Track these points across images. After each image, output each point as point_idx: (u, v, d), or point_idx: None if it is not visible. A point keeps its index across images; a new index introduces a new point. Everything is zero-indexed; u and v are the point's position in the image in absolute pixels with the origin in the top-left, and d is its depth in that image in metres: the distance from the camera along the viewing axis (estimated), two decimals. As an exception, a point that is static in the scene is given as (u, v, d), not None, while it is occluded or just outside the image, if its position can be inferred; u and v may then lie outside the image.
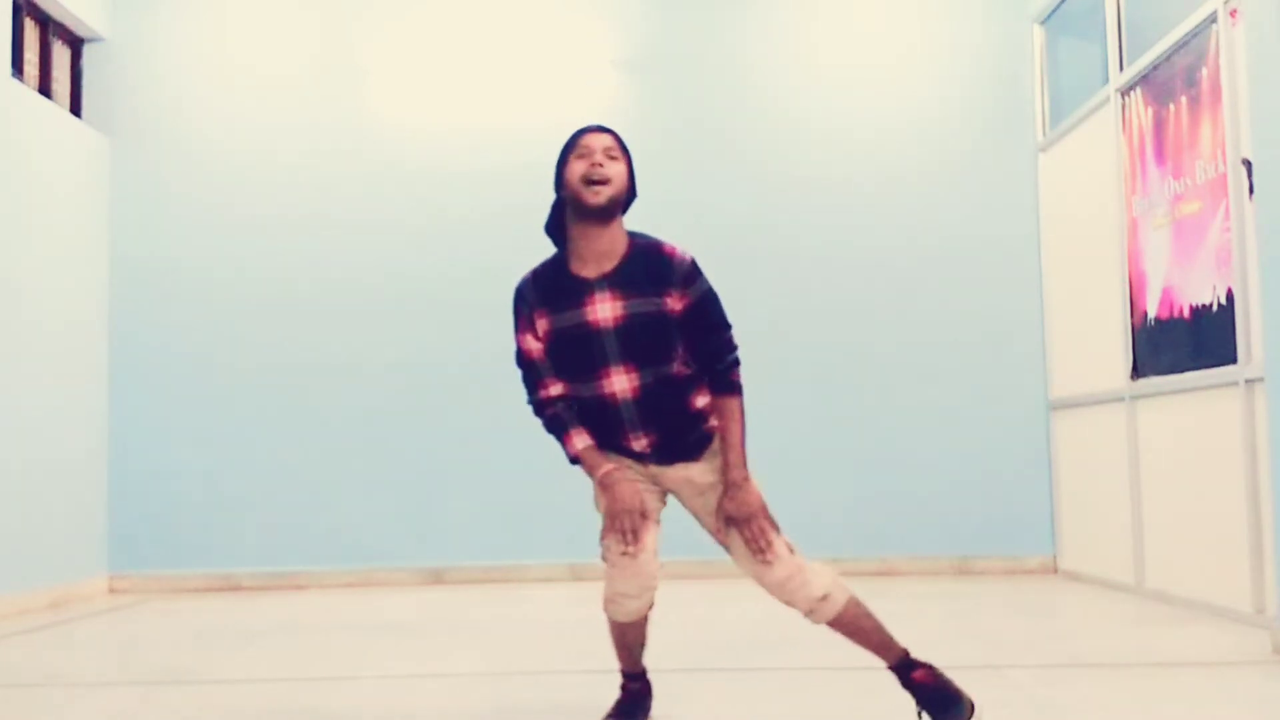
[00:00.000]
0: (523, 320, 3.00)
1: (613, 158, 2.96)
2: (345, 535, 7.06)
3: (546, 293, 2.97)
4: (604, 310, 2.89)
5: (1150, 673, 3.84)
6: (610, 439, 2.97)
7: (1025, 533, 7.03)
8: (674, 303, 2.90)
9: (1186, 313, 5.29)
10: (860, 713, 3.28)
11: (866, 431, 7.06)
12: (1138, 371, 5.80)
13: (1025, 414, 7.08)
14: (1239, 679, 3.74)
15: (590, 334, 2.90)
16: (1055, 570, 6.97)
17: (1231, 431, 4.85)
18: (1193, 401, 5.23)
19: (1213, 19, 4.99)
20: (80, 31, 7.14)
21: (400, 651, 4.61)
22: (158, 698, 3.75)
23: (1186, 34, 5.22)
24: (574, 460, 2.99)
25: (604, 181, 2.92)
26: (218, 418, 7.10)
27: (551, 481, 7.15)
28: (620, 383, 2.90)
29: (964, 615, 5.33)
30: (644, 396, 2.91)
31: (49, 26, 6.91)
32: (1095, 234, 6.31)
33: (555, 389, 2.99)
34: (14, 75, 6.36)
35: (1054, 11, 7.02)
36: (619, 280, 2.91)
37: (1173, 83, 5.40)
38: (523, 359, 3.02)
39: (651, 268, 2.92)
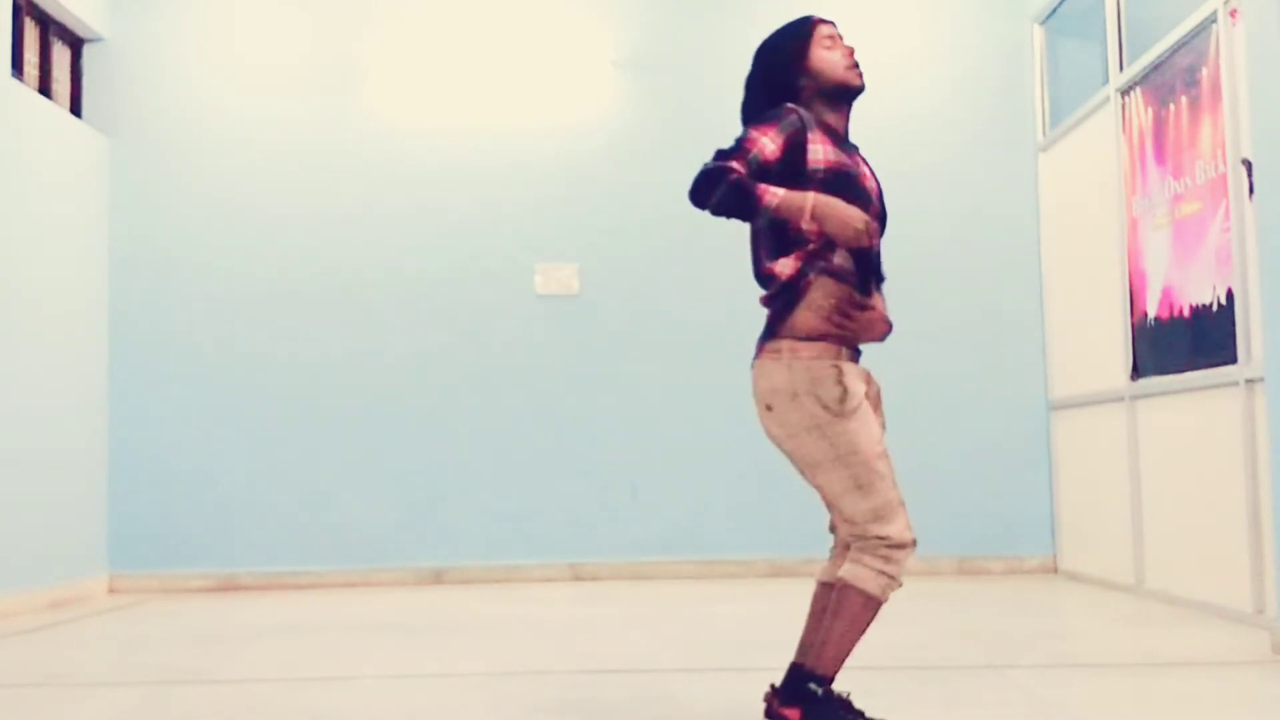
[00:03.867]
0: (782, 128, 2.80)
1: None
2: (345, 535, 7.05)
3: (828, 131, 2.91)
4: (870, 180, 2.94)
5: (1150, 673, 3.84)
6: (863, 288, 2.89)
7: (1025, 533, 7.04)
8: None
9: (1186, 312, 5.29)
10: (860, 713, 3.27)
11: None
12: (1138, 371, 5.80)
13: (1025, 414, 7.08)
14: (1239, 679, 3.74)
15: (865, 190, 2.90)
16: (1055, 570, 6.98)
17: (1231, 431, 4.85)
18: (1193, 401, 5.23)
19: (1213, 19, 4.99)
20: (80, 31, 7.14)
21: (400, 651, 4.61)
22: (158, 698, 3.75)
23: (1186, 34, 5.22)
24: (775, 210, 2.73)
25: (859, 65, 2.97)
26: (217, 418, 7.10)
27: (551, 481, 7.18)
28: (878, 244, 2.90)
29: (964, 615, 5.33)
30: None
31: (49, 26, 6.91)
32: (1095, 234, 6.31)
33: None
34: (14, 75, 6.36)
35: (1054, 11, 7.02)
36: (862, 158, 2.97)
37: (1173, 83, 5.40)
38: (742, 147, 2.78)
39: None
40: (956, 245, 7.21)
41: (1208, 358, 5.07)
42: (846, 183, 2.84)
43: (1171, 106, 5.41)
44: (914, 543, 2.79)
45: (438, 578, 7.05)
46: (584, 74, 7.32)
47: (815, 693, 2.83)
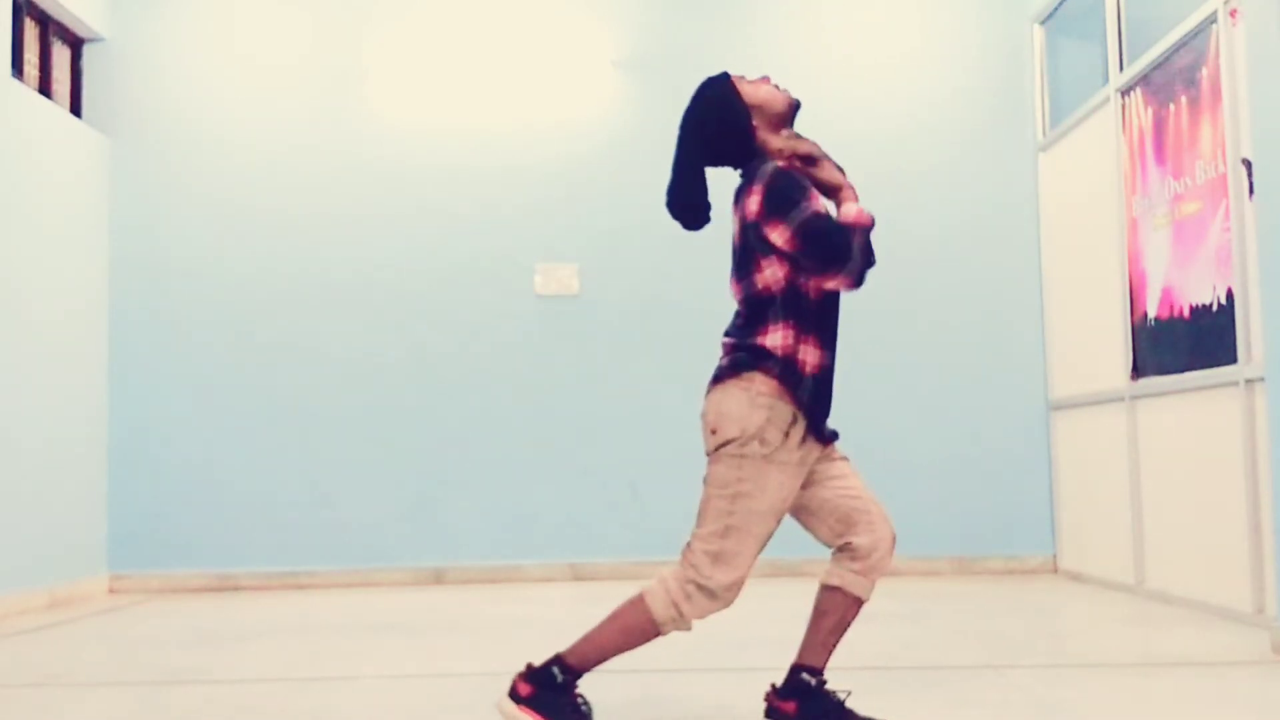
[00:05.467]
0: (810, 189, 2.84)
1: None
2: (345, 535, 7.06)
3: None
4: None
5: (1150, 673, 3.84)
6: (831, 338, 2.92)
7: (1025, 533, 7.04)
8: None
9: (1186, 312, 5.29)
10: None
11: (866, 432, 7.03)
12: (1138, 371, 5.80)
13: (1025, 414, 7.09)
14: (1239, 679, 3.74)
15: None
16: (1055, 570, 6.98)
17: (1231, 431, 4.85)
18: (1193, 401, 5.23)
19: (1213, 19, 4.99)
20: (80, 31, 7.14)
21: (400, 651, 4.61)
22: (158, 698, 3.75)
23: (1186, 34, 5.22)
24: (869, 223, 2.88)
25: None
26: (217, 418, 7.10)
27: (551, 481, 7.19)
28: None
29: (964, 615, 5.33)
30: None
31: (49, 26, 6.91)
32: (1095, 234, 6.31)
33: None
34: (14, 75, 6.36)
35: (1054, 11, 7.03)
36: None
37: (1173, 83, 5.40)
38: (825, 216, 2.79)
39: None
40: (956, 245, 7.21)
41: (1208, 358, 5.07)
42: None
43: (1171, 106, 5.41)
44: (726, 601, 2.81)
45: (438, 578, 7.05)
46: (584, 74, 7.32)
47: (809, 684, 2.86)
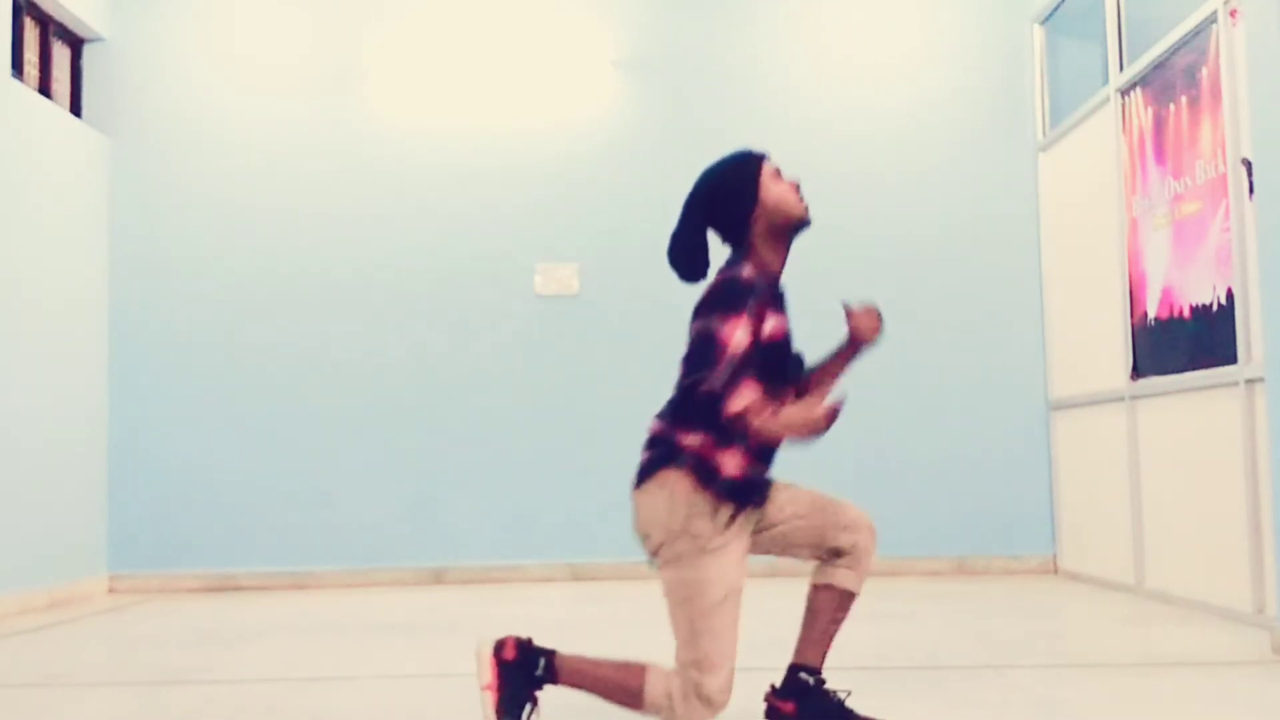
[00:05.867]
0: (749, 314, 2.73)
1: None
2: (345, 535, 7.06)
3: (772, 292, 2.85)
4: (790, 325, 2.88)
5: (1150, 673, 3.85)
6: (771, 456, 2.84)
7: (1025, 533, 7.04)
8: None
9: (1186, 313, 5.29)
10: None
11: (866, 432, 7.06)
12: (1138, 371, 5.80)
13: (1025, 414, 7.08)
14: (1239, 679, 3.74)
15: (792, 352, 2.90)
16: (1055, 570, 6.98)
17: (1231, 431, 4.85)
18: (1193, 401, 5.23)
19: (1213, 19, 4.99)
20: (80, 31, 7.14)
21: (400, 651, 4.61)
22: (158, 698, 3.75)
23: (1186, 34, 5.22)
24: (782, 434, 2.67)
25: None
26: (217, 418, 7.10)
27: (551, 481, 7.18)
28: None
29: (964, 615, 5.33)
30: None
31: (49, 26, 6.91)
32: (1095, 234, 6.31)
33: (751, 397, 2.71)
34: (14, 75, 6.36)
35: (1054, 11, 7.03)
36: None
37: (1173, 83, 5.40)
38: (726, 359, 2.69)
39: None
40: (956, 245, 7.21)
41: (1208, 358, 5.07)
42: (784, 352, 2.85)
43: (1171, 106, 5.41)
44: (721, 705, 2.74)
45: (438, 578, 7.05)
46: (584, 74, 7.32)
47: (808, 683, 2.89)
